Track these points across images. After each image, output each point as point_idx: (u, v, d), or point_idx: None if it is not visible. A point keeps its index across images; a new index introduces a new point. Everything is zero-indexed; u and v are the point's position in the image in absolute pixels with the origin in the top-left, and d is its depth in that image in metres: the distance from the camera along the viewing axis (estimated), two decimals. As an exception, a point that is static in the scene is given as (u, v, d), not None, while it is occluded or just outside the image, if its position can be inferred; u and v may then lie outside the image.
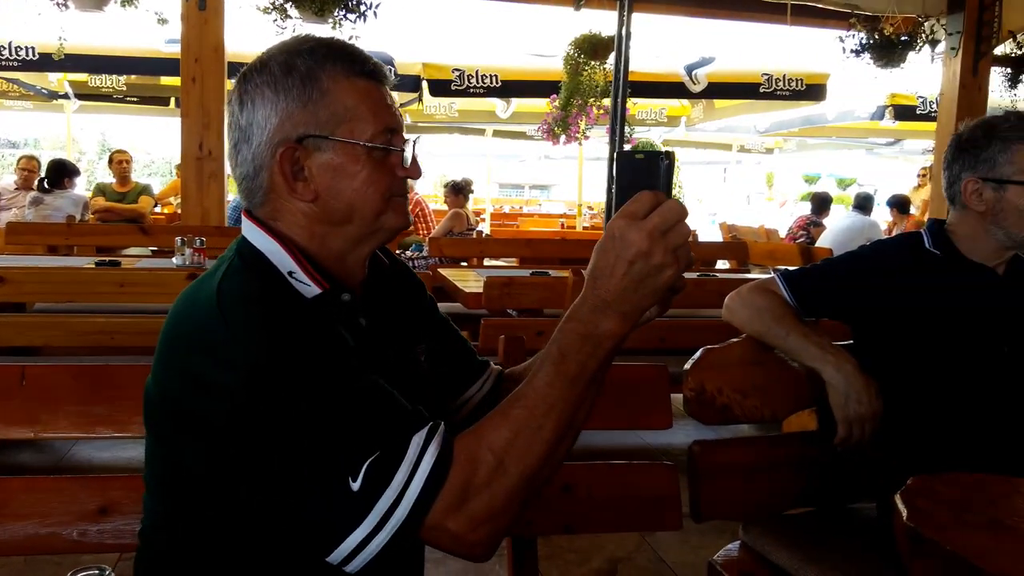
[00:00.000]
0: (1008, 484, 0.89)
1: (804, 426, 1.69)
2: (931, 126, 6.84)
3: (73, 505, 1.09)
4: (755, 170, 17.08)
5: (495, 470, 0.73)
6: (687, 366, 1.33)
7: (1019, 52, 5.38)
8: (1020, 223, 1.32)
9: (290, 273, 0.83)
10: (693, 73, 6.40)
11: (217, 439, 0.75)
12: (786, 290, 1.41)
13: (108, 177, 6.36)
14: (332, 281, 0.86)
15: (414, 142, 0.89)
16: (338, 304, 0.85)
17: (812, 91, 6.57)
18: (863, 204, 5.90)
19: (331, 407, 0.73)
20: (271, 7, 4.05)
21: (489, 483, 0.73)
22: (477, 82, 6.16)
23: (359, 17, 4.11)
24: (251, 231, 0.86)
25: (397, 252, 2.58)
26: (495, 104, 8.16)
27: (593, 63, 5.35)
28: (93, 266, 2.96)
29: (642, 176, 0.75)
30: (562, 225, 9.37)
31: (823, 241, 5.77)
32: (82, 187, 6.05)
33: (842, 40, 5.21)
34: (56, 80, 7.16)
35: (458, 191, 6.15)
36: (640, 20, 4.75)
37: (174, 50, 4.72)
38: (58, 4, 4.19)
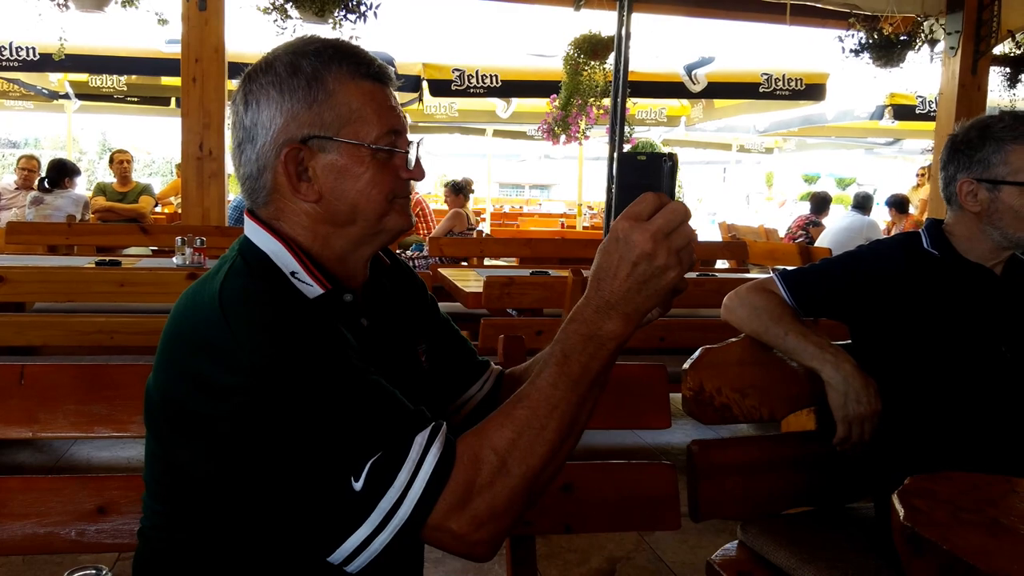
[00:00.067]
0: (1006, 484, 0.89)
1: (803, 426, 1.69)
2: (930, 126, 6.85)
3: (71, 505, 1.09)
4: (755, 170, 17.08)
5: (498, 470, 0.73)
6: (686, 366, 1.34)
7: (1018, 52, 5.38)
8: (1015, 223, 1.32)
9: (292, 273, 0.83)
10: (693, 73, 6.40)
11: (219, 439, 0.76)
12: (784, 290, 1.42)
13: (109, 177, 6.37)
14: (334, 281, 0.86)
15: (418, 144, 0.89)
16: (340, 304, 0.86)
17: (811, 91, 6.57)
18: (862, 204, 5.90)
19: (334, 407, 0.74)
20: (271, 7, 4.05)
21: (491, 483, 0.73)
22: (477, 82, 6.17)
23: (359, 17, 4.11)
24: (253, 231, 0.86)
25: (397, 252, 2.58)
26: (495, 104, 8.17)
27: (593, 63, 5.35)
28: (93, 266, 2.96)
29: (645, 177, 0.75)
30: (562, 225, 9.38)
31: (822, 241, 5.77)
32: (82, 187, 6.05)
33: (841, 40, 5.21)
34: (57, 80, 7.17)
35: (458, 191, 6.15)
36: (640, 20, 4.75)
37: (174, 50, 4.72)
38: (59, 5, 4.20)
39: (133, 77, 6.93)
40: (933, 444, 1.32)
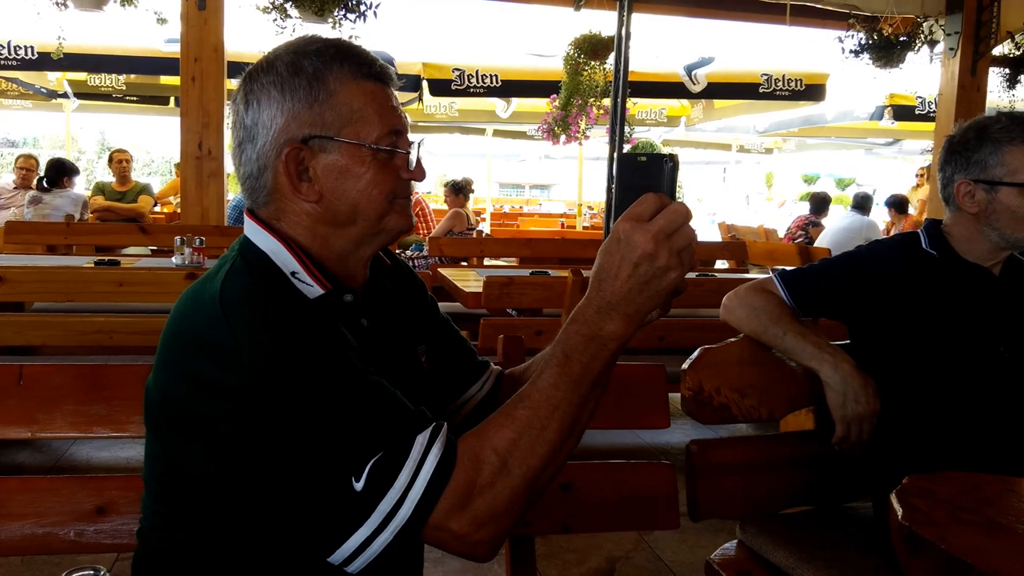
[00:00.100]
0: (1003, 483, 0.89)
1: (801, 425, 1.70)
2: (930, 126, 6.86)
3: (70, 505, 1.09)
4: (754, 170, 17.09)
5: (498, 471, 0.73)
6: (685, 366, 1.34)
7: (1017, 52, 5.38)
8: (1013, 224, 1.33)
9: (293, 273, 0.83)
10: (693, 73, 6.40)
11: (219, 439, 0.76)
12: (783, 290, 1.42)
13: (107, 176, 6.36)
14: (334, 282, 0.86)
15: (419, 144, 0.89)
16: (340, 305, 0.85)
17: (811, 91, 6.58)
18: (861, 204, 5.91)
19: (334, 407, 0.74)
20: (271, 7, 4.05)
21: (492, 484, 0.73)
22: (477, 82, 6.17)
23: (359, 17, 4.11)
24: (253, 231, 0.86)
25: (397, 252, 2.58)
26: (495, 104, 8.17)
27: (593, 63, 5.35)
28: (92, 265, 2.96)
29: (646, 178, 0.75)
30: (562, 225, 9.38)
31: (821, 241, 5.77)
32: (81, 186, 6.05)
33: (841, 40, 5.22)
34: (55, 79, 7.17)
35: (458, 191, 6.15)
36: (640, 20, 4.75)
37: (174, 49, 4.72)
38: (57, 3, 4.19)
39: (132, 76, 6.93)
40: (931, 444, 1.32)
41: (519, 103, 7.94)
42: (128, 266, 3.04)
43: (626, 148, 4.96)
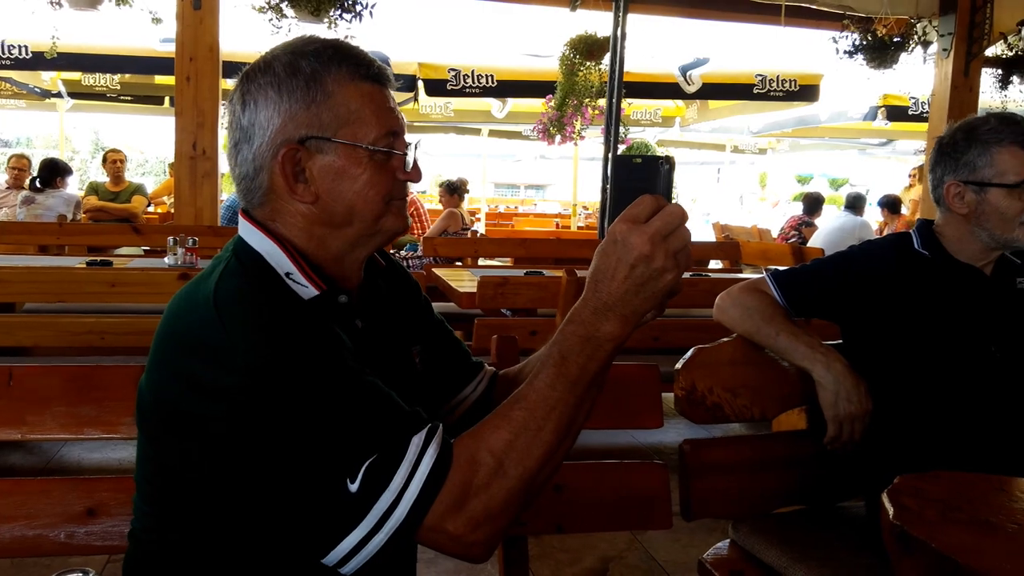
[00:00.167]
0: (994, 482, 0.89)
1: (794, 425, 1.70)
2: (923, 127, 6.88)
3: (61, 507, 1.08)
4: (748, 170, 17.15)
5: (494, 472, 0.73)
6: (678, 365, 1.34)
7: (1010, 53, 5.41)
8: (1002, 225, 1.33)
9: (287, 274, 0.83)
10: (687, 74, 6.42)
11: (213, 441, 0.75)
12: (776, 290, 1.42)
13: (101, 176, 6.34)
14: (329, 283, 0.86)
15: (415, 146, 0.89)
16: (335, 306, 0.85)
17: (805, 92, 6.60)
18: (854, 204, 5.93)
19: (329, 408, 0.73)
20: (266, 6, 4.03)
21: (488, 485, 0.73)
22: (473, 82, 6.16)
23: (355, 17, 4.10)
24: (248, 232, 0.86)
25: (392, 252, 2.57)
26: (491, 104, 8.17)
27: (588, 63, 5.35)
28: (84, 266, 2.95)
29: (642, 180, 0.75)
30: (557, 225, 9.38)
31: (815, 241, 5.79)
32: (75, 186, 6.02)
33: (835, 41, 5.23)
34: (49, 79, 7.14)
35: (453, 191, 6.14)
36: (635, 21, 4.76)
37: (168, 49, 4.71)
38: (52, 3, 4.17)
39: (126, 76, 6.91)
40: (923, 443, 1.32)
41: (514, 103, 7.94)
42: (121, 266, 3.03)
43: (621, 148, 4.97)
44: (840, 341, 1.45)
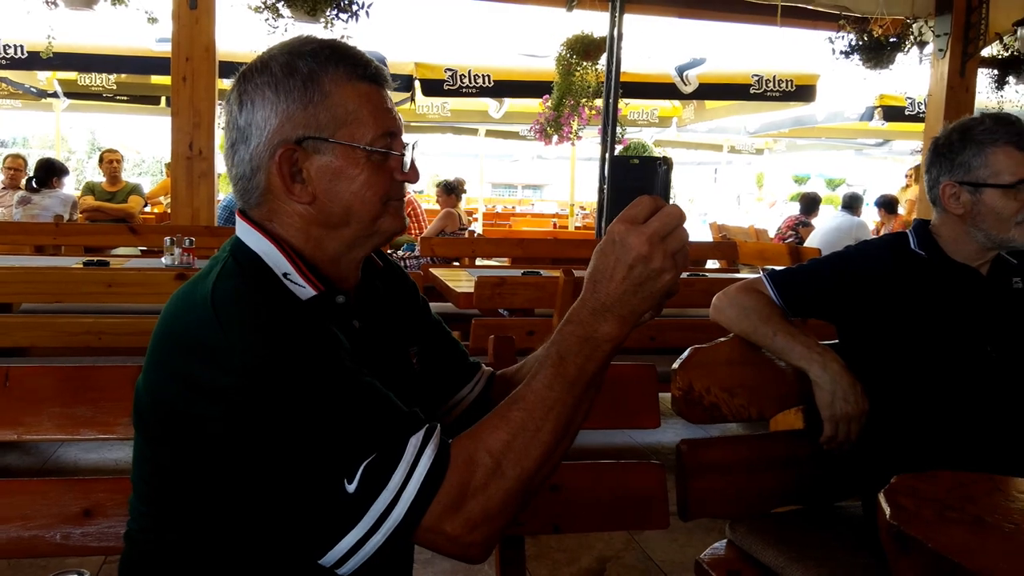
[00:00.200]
0: (990, 482, 0.90)
1: (791, 425, 1.70)
2: (919, 127, 6.90)
3: (57, 508, 1.08)
4: (745, 170, 17.17)
5: (492, 472, 0.73)
6: (675, 365, 1.34)
7: (1005, 54, 5.43)
8: (998, 225, 1.33)
9: (285, 275, 0.83)
10: (684, 74, 6.42)
11: (210, 440, 0.75)
12: (773, 290, 1.42)
13: (97, 176, 6.33)
14: (327, 283, 0.85)
15: (412, 146, 0.89)
16: (332, 306, 0.85)
17: (802, 92, 6.61)
18: (851, 204, 5.94)
19: (327, 409, 0.73)
20: (263, 6, 4.03)
21: (486, 485, 0.73)
22: (470, 82, 6.17)
23: (351, 17, 4.10)
24: (245, 232, 0.86)
25: (389, 252, 2.57)
26: (488, 104, 8.17)
27: (585, 64, 5.35)
28: (81, 266, 2.94)
29: (639, 180, 0.76)
30: (554, 225, 9.38)
31: (811, 241, 5.80)
32: (71, 186, 6.01)
33: (831, 41, 5.24)
34: (45, 79, 7.12)
35: (450, 191, 6.14)
36: (631, 21, 4.76)
37: (165, 49, 4.70)
38: (47, 2, 4.17)
39: (123, 76, 6.89)
40: (920, 443, 1.33)
41: (511, 103, 7.94)
42: (117, 267, 3.02)
43: (618, 148, 4.97)
44: (836, 341, 1.46)
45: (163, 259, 3.20)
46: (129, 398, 0.85)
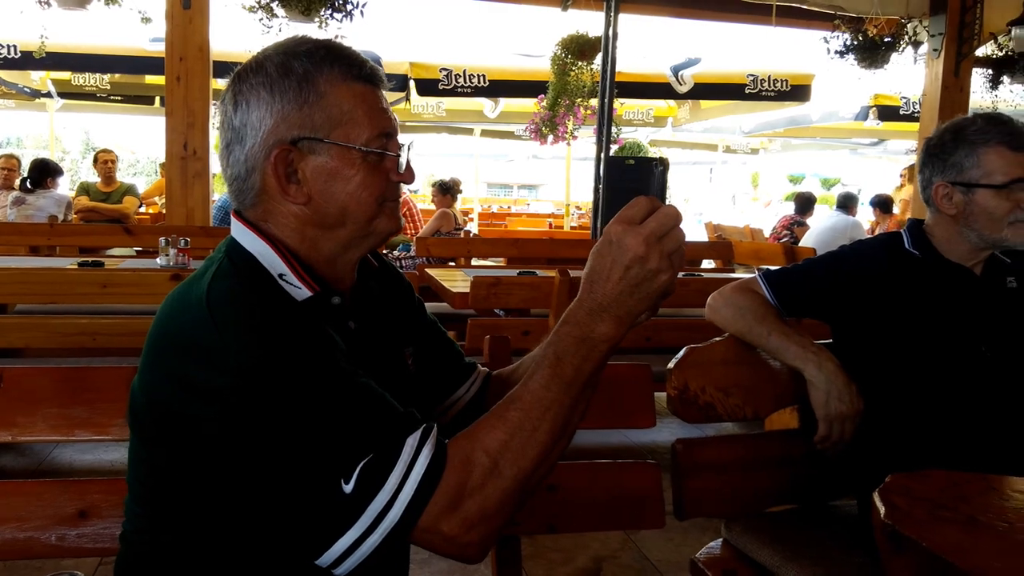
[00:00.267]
0: (984, 482, 0.90)
1: (786, 424, 1.70)
2: (914, 126, 6.92)
3: (52, 509, 1.07)
4: (740, 170, 17.20)
5: (489, 472, 0.73)
6: (671, 365, 1.34)
7: (1000, 54, 5.45)
8: (991, 225, 1.34)
9: (280, 275, 0.83)
10: (679, 74, 6.44)
11: (205, 441, 0.75)
12: (767, 290, 1.42)
13: (91, 176, 6.30)
14: (322, 284, 0.85)
15: (408, 147, 0.89)
16: (328, 307, 0.85)
17: (797, 92, 6.63)
18: (846, 204, 5.96)
19: (323, 409, 0.73)
20: (257, 6, 4.02)
21: (483, 485, 0.73)
22: (465, 82, 6.17)
23: (345, 16, 4.10)
24: (241, 232, 0.86)
25: (384, 252, 2.56)
26: (483, 104, 8.17)
27: (580, 63, 5.36)
28: (76, 267, 2.93)
29: (635, 180, 0.76)
30: (550, 225, 9.39)
31: (806, 241, 5.81)
32: (65, 187, 5.99)
33: (826, 41, 5.26)
34: (39, 79, 7.10)
35: (446, 191, 6.14)
36: (626, 21, 4.77)
37: (159, 49, 4.68)
38: (40, 2, 4.15)
39: (116, 76, 6.88)
40: (914, 442, 1.33)
41: (507, 103, 7.95)
42: (112, 267, 3.02)
43: (613, 149, 4.98)
44: (831, 341, 1.46)
45: (158, 260, 3.19)
46: (124, 399, 0.85)
